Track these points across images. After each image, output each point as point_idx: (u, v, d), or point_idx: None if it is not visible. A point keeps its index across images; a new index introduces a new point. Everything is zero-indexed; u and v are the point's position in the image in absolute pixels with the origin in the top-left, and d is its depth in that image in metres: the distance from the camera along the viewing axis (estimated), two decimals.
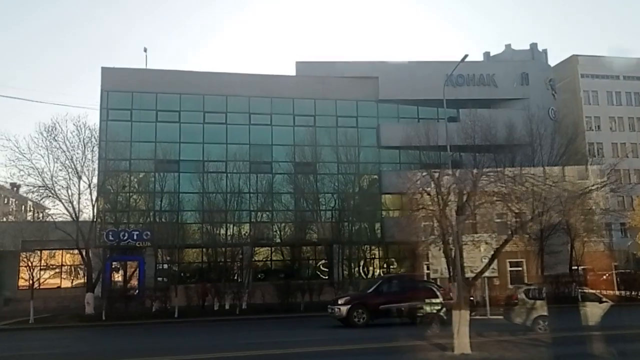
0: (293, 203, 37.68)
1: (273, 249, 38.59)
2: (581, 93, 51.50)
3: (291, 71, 43.75)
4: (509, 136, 36.13)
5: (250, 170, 36.61)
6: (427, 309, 15.96)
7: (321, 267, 37.96)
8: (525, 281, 27.22)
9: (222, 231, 34.26)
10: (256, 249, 36.72)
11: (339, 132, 38.12)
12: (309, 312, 27.77)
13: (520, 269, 30.93)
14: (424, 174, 13.76)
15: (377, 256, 39.55)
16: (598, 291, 18.79)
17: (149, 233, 33.90)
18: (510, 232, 11.95)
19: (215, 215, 33.85)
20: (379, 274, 36.71)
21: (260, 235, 36.37)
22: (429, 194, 12.22)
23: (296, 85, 39.33)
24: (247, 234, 35.44)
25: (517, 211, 11.80)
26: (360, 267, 36.83)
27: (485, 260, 11.78)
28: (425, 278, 22.73)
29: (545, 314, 14.56)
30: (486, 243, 11.85)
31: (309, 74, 39.87)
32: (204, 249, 35.40)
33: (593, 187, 17.26)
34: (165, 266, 36.05)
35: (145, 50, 41.65)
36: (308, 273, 37.80)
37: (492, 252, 11.68)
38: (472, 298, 20.29)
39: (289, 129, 38.53)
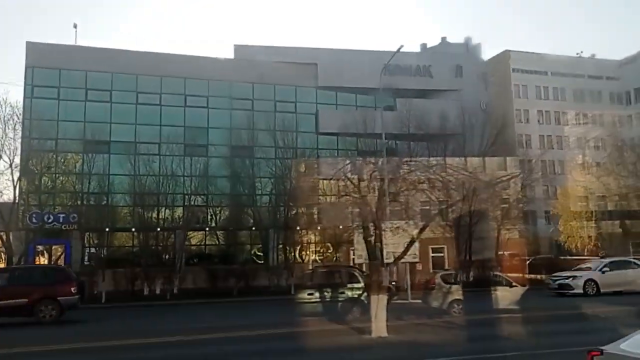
0: (229, 187, 37.29)
1: (207, 233, 38.12)
2: (512, 87, 53.49)
3: (229, 54, 43.10)
4: (442, 126, 37.16)
5: (185, 153, 35.91)
6: (349, 293, 16.32)
7: (257, 252, 37.88)
8: (446, 267, 28.29)
9: (154, 214, 33.55)
10: (190, 233, 36.21)
11: (277, 117, 37.95)
12: (243, 297, 27.82)
13: (442, 254, 32.04)
14: (347, 161, 13.98)
15: (313, 241, 39.85)
16: (508, 276, 19.78)
17: (75, 216, 32.73)
18: (428, 219, 12.37)
19: (146, 198, 33.06)
20: (314, 259, 37.06)
21: (194, 219, 35.86)
22: (351, 181, 12.42)
23: (234, 69, 38.74)
24: (180, 218, 34.86)
25: (435, 199, 12.20)
26: (297, 252, 37.05)
27: (404, 247, 12.15)
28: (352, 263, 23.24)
29: (460, 297, 15.23)
30: (403, 230, 12.20)
31: (247, 58, 39.35)
32: (134, 233, 34.49)
33: (505, 178, 18.16)
34: (94, 250, 34.96)
35: (75, 26, 39.68)
36: (243, 258, 37.65)
37: (410, 239, 12.06)
38: (394, 282, 20.94)
39: (226, 112, 37.97)
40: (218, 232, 38.41)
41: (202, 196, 36.75)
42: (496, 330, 12.76)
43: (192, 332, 13.52)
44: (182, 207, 35.34)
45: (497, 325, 13.29)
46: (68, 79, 35.64)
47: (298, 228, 33.33)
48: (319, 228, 31.94)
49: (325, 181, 37.94)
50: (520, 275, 28.79)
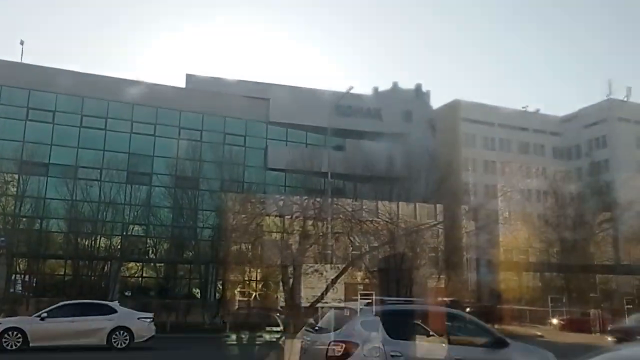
0: (170, 218, 36.38)
1: (145, 265, 36.88)
2: (460, 135, 55.00)
3: (180, 83, 42.76)
4: (389, 169, 37.60)
5: (127, 180, 35.01)
6: (267, 337, 15.90)
7: (194, 287, 36.79)
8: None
9: (90, 243, 32.30)
10: (127, 264, 35.01)
11: (226, 150, 37.61)
12: (175, 334, 26.77)
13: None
14: (282, 198, 13.78)
15: (255, 278, 39.05)
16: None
17: (4, 239, 31.09)
18: (348, 264, 12.24)
19: (82, 225, 31.86)
20: (255, 296, 36.24)
21: (131, 250, 34.72)
22: (273, 221, 12.20)
23: (184, 98, 38.43)
24: (117, 247, 33.68)
25: (357, 244, 12.11)
26: (234, 289, 36.16)
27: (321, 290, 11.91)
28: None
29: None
30: (321, 274, 12.01)
31: (198, 87, 39.16)
32: (67, 261, 33.04)
33: (423, 226, 18.45)
34: (21, 277, 33.20)
35: (21, 42, 38.69)
36: (181, 292, 36.51)
37: (328, 283, 11.85)
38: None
39: (172, 142, 37.37)
40: (157, 265, 37.21)
41: (142, 226, 35.72)
42: None
43: None
44: (119, 237, 34.20)
45: None
46: (9, 97, 34.51)
47: (235, 264, 32.61)
48: (255, 266, 31.44)
49: (269, 217, 37.79)
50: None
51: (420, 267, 35.69)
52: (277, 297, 34.79)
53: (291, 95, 40.73)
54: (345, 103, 38.35)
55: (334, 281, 12.01)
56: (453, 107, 54.16)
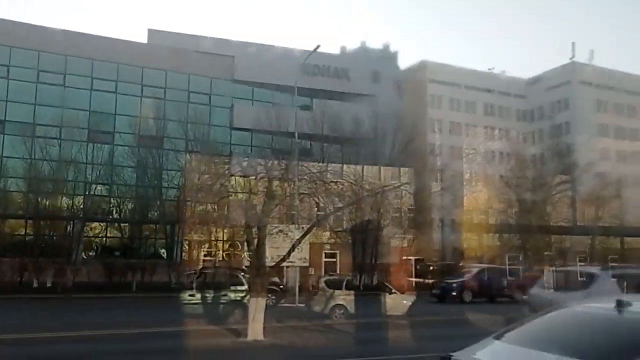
0: (135, 178, 35.78)
1: (109, 225, 36.37)
2: (427, 97, 55.24)
3: (142, 38, 41.36)
4: (356, 130, 37.60)
5: (88, 139, 34.13)
6: (232, 295, 16.07)
7: (160, 247, 36.60)
8: (338, 271, 28.73)
9: (51, 202, 31.62)
10: (91, 224, 34.49)
11: (190, 108, 36.91)
12: (141, 293, 26.86)
13: (334, 259, 32.41)
14: (246, 159, 13.68)
15: (222, 238, 39.03)
16: (412, 280, 20.35)
17: None
18: (313, 224, 12.37)
19: (43, 184, 31.08)
20: (222, 256, 36.32)
21: (95, 210, 34.18)
22: (238, 181, 12.15)
23: (147, 54, 37.21)
24: (79, 207, 33.10)
25: (322, 205, 12.22)
26: (200, 250, 36.15)
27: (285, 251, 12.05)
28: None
29: (342, 302, 15.41)
30: (286, 234, 12.13)
31: (161, 44, 37.92)
32: (27, 221, 32.32)
33: (388, 187, 18.83)
34: None
35: None
36: (146, 252, 36.26)
37: (294, 242, 11.98)
38: (281, 286, 20.95)
39: (135, 100, 36.40)
40: (122, 225, 36.73)
41: (105, 186, 35.10)
42: (363, 335, 13.16)
43: (52, 328, 12.70)
44: (82, 196, 33.57)
45: (368, 330, 13.67)
46: None
47: (200, 224, 32.40)
48: (220, 226, 31.37)
49: (234, 178, 37.51)
50: (420, 280, 29.74)
51: (385, 227, 36.41)
52: (242, 257, 34.99)
53: (257, 53, 39.96)
54: (312, 62, 37.81)
55: (299, 241, 12.13)
56: (420, 68, 54.13)
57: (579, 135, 53.31)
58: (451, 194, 50.52)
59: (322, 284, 16.26)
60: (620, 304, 3.80)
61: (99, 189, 34.81)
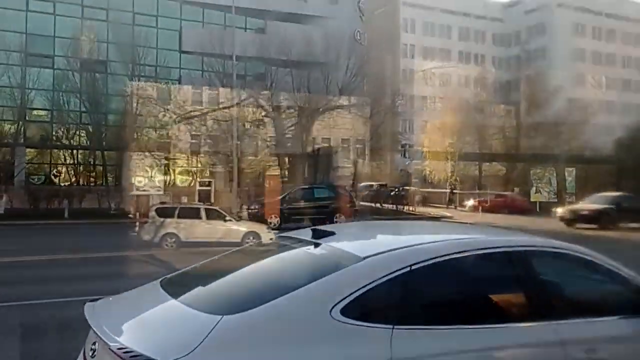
0: (75, 103, 34.72)
1: (53, 151, 35.67)
2: (400, 20, 53.02)
3: None
4: (308, 53, 35.98)
5: (26, 63, 32.87)
6: None
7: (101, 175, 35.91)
8: (212, 200, 28.09)
9: None
10: (33, 150, 33.92)
11: (136, 31, 35.25)
12: (75, 220, 26.42)
13: (209, 188, 31.47)
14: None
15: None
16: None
17: None
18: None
19: None
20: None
21: (36, 136, 33.50)
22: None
23: None
24: (19, 134, 32.45)
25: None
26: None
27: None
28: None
29: (174, 231, 14.94)
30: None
31: None
32: None
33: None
34: None
35: None
36: (91, 179, 35.74)
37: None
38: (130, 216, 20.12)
39: (75, 21, 34.72)
40: (64, 151, 35.93)
41: (46, 111, 34.18)
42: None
43: None
44: (20, 123, 32.80)
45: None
46: None
47: (141, 151, 31.65)
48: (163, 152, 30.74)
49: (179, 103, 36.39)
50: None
51: (337, 152, 35.72)
52: (190, 185, 34.55)
53: None
54: None
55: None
56: None
57: (555, 60, 51.40)
58: (423, 120, 49.58)
59: (152, 213, 15.83)
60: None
61: (41, 114, 33.85)
